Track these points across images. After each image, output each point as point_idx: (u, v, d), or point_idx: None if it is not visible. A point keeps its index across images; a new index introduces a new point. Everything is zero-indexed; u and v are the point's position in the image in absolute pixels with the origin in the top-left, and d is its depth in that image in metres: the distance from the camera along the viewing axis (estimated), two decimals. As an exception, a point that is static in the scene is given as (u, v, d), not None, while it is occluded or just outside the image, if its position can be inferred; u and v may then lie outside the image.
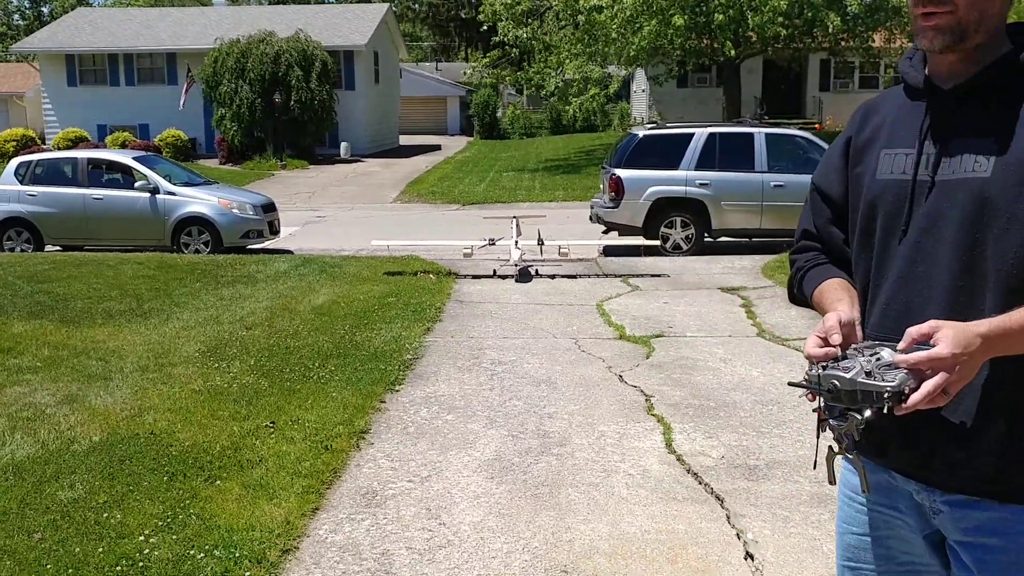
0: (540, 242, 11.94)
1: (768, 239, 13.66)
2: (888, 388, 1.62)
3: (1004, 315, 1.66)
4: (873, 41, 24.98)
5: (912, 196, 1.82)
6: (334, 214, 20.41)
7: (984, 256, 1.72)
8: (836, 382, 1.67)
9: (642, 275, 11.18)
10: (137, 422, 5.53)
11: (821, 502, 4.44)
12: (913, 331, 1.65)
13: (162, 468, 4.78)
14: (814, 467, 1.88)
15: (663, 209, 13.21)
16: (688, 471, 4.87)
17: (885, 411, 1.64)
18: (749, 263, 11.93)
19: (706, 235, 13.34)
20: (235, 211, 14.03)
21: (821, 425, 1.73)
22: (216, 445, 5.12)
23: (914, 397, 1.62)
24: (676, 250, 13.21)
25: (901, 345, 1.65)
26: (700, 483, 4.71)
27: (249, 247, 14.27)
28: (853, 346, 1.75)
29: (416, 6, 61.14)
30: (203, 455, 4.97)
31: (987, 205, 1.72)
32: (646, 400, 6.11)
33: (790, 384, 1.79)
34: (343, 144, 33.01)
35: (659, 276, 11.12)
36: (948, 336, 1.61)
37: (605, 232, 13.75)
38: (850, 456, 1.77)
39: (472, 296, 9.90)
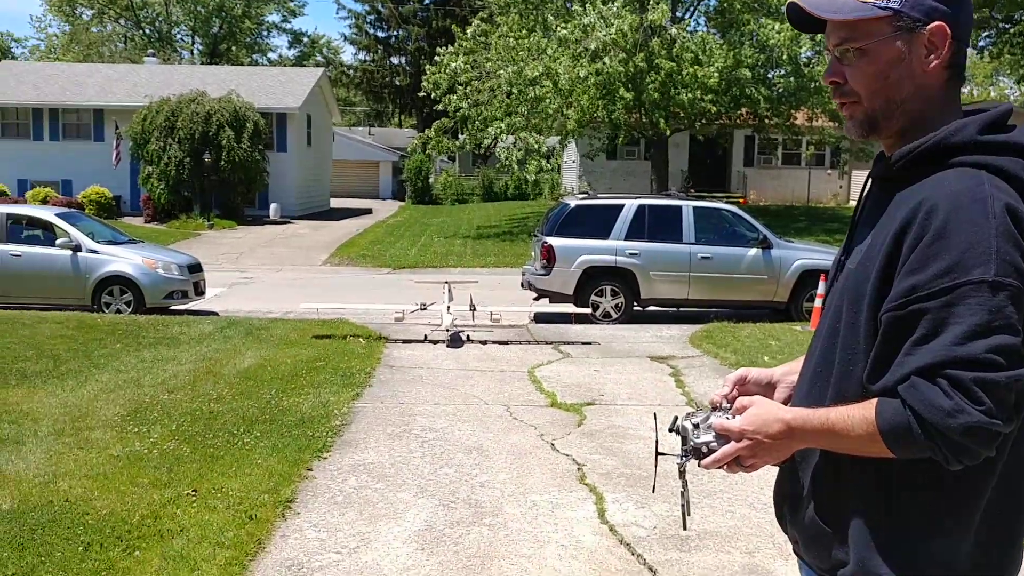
0: (472, 308, 11.92)
1: (695, 309, 13.87)
2: (692, 444, 1.79)
3: (812, 409, 1.68)
4: (795, 119, 25.87)
5: (833, 278, 1.86)
6: (262, 276, 20.14)
7: (836, 347, 1.73)
8: (680, 426, 1.84)
9: (573, 342, 11.22)
10: (51, 489, 5.29)
11: (752, 573, 4.44)
12: (737, 402, 1.79)
13: (77, 538, 4.56)
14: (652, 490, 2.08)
15: (594, 278, 13.33)
16: (621, 542, 4.83)
17: (697, 463, 1.80)
18: (677, 332, 12.07)
19: (635, 304, 13.48)
20: (159, 271, 13.74)
21: (683, 459, 1.85)
22: (135, 514, 4.92)
23: (706, 460, 1.77)
24: (606, 318, 13.31)
25: (732, 412, 1.78)
26: (633, 554, 4.67)
27: (173, 308, 13.96)
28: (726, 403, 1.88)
29: (351, 72, 61.54)
30: (121, 524, 4.77)
31: (847, 296, 1.72)
32: (578, 469, 6.07)
33: (653, 416, 1.97)
34: (273, 205, 32.75)
35: (590, 344, 11.16)
36: (748, 412, 1.73)
37: (536, 299, 13.81)
38: (682, 491, 1.93)
39: (403, 361, 9.80)
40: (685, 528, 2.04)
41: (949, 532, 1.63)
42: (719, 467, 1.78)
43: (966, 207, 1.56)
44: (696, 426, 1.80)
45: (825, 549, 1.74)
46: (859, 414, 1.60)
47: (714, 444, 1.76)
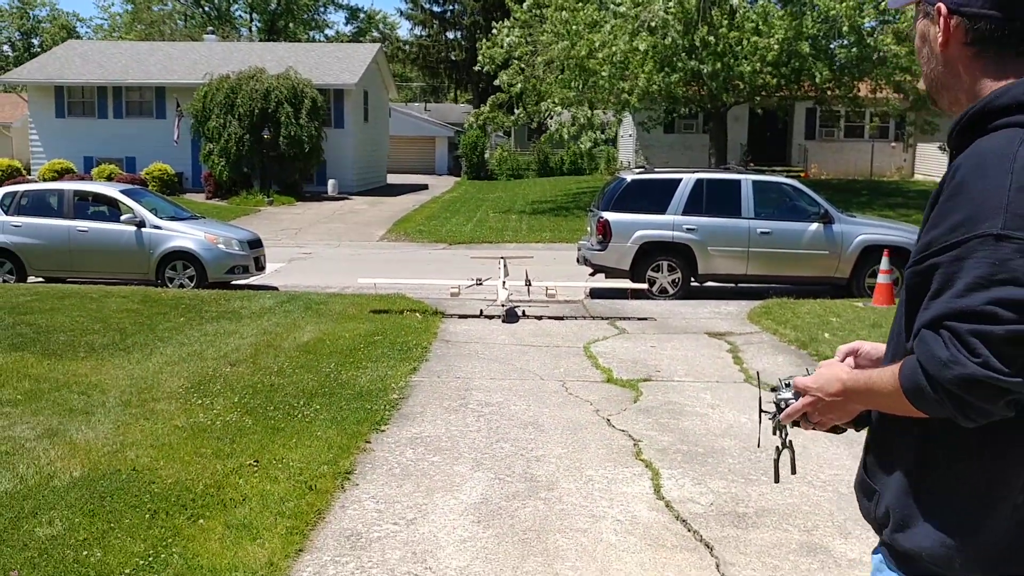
0: (527, 283, 11.93)
1: (754, 285, 13.72)
2: (774, 399, 1.95)
3: (862, 370, 1.80)
4: (858, 91, 25.30)
5: None
6: (320, 251, 20.37)
7: (902, 313, 1.78)
8: (776, 386, 1.99)
9: (629, 318, 11.18)
10: (119, 458, 5.44)
11: (811, 551, 4.40)
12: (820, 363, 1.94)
13: (144, 505, 4.70)
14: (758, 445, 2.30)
15: (650, 253, 13.24)
16: (677, 518, 4.82)
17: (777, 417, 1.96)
18: (735, 308, 11.96)
19: (692, 280, 13.37)
20: (221, 246, 13.98)
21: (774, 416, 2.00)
22: (199, 483, 5.04)
23: (782, 414, 1.92)
24: (662, 294, 13.23)
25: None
26: (689, 530, 4.66)
27: (234, 283, 14.19)
28: None
29: (406, 47, 61.63)
30: (186, 493, 4.89)
31: (907, 265, 1.77)
32: (634, 445, 6.07)
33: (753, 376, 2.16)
34: (331, 181, 33.05)
35: (646, 319, 11.11)
36: (816, 372, 1.86)
37: (592, 274, 13.77)
38: (777, 447, 2.09)
39: (459, 336, 9.86)
40: (777, 481, 2.15)
41: (993, 506, 1.61)
42: (790, 422, 1.91)
43: (987, 164, 1.58)
44: (787, 385, 1.93)
45: (868, 504, 1.81)
46: (889, 372, 1.65)
47: (791, 400, 1.89)
